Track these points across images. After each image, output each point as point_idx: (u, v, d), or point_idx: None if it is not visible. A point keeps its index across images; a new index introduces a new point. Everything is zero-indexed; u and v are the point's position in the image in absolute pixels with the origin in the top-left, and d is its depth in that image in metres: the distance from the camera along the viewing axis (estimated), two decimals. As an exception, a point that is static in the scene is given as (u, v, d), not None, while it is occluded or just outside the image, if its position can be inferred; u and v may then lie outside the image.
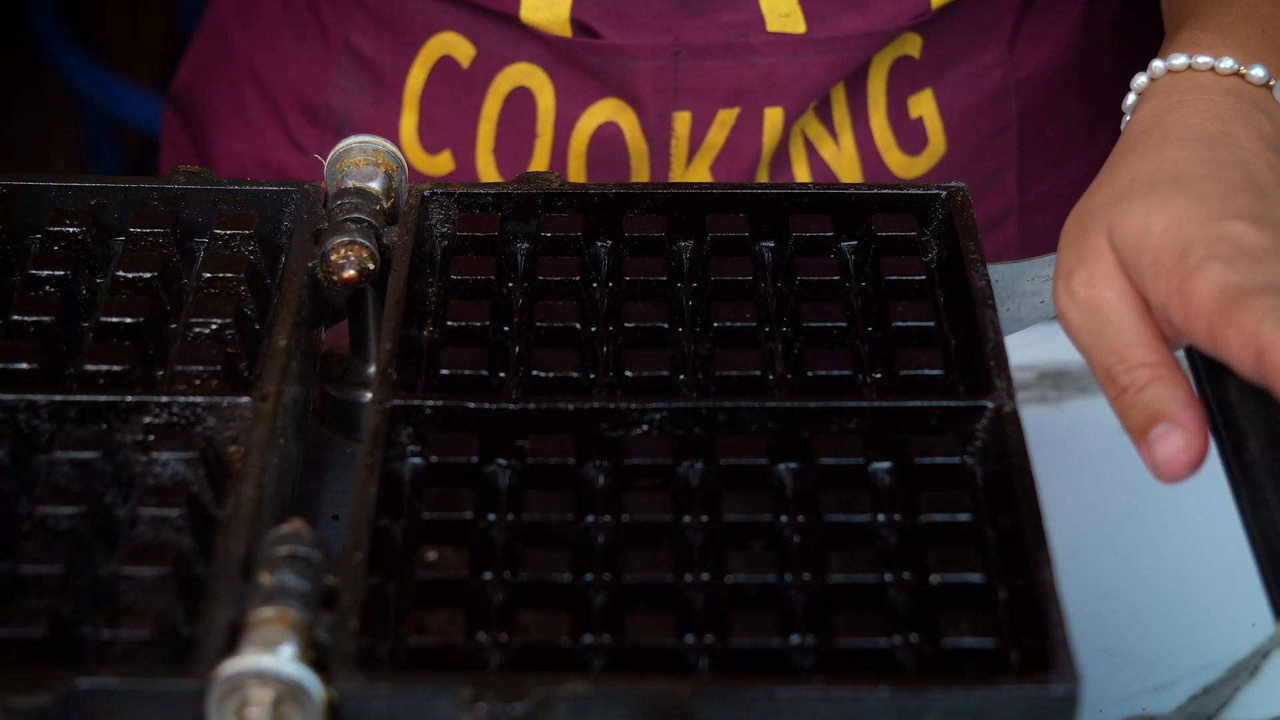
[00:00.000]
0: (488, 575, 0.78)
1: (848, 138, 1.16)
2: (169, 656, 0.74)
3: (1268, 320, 0.73)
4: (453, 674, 0.72)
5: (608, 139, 1.13)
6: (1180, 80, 0.86)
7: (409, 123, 1.16)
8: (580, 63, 1.11)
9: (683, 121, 1.12)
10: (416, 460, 0.82)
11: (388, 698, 0.71)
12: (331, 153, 0.92)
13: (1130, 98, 0.88)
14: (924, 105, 1.16)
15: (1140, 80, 0.87)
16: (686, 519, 0.80)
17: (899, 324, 0.86)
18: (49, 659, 0.73)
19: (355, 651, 0.72)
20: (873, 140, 1.16)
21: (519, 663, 0.74)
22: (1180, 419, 0.76)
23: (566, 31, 1.10)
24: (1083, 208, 0.83)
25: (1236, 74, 0.85)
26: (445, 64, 1.14)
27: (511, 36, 1.12)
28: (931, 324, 0.86)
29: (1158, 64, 0.87)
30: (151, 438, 0.82)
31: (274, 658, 0.71)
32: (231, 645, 0.72)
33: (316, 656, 0.72)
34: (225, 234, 0.91)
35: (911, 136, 1.17)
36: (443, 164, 1.16)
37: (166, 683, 0.71)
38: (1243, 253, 0.76)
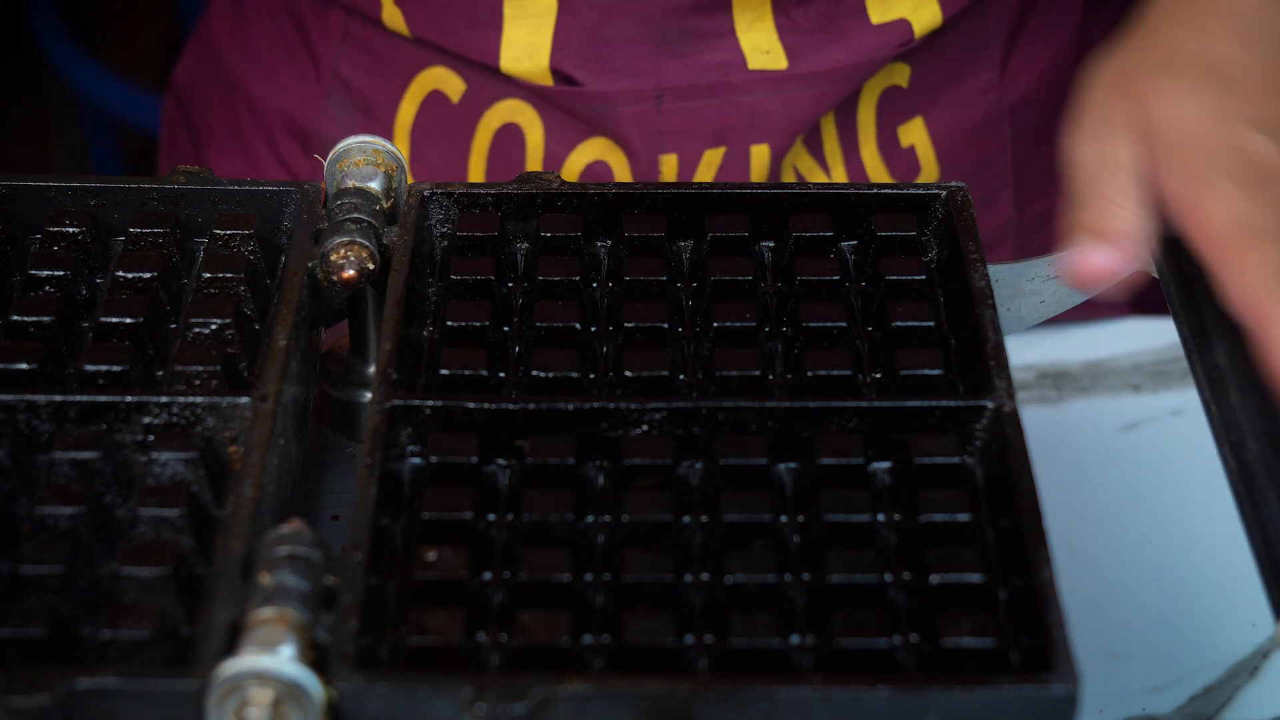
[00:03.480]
0: (488, 575, 0.78)
1: (839, 170, 1.15)
2: (169, 656, 0.74)
3: (1273, 282, 0.77)
4: (453, 674, 0.72)
5: (597, 176, 1.13)
6: None
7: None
8: (566, 107, 1.11)
9: (669, 165, 1.12)
10: (416, 460, 0.82)
11: (388, 698, 0.71)
12: (331, 153, 0.92)
13: None
14: (915, 133, 1.16)
15: None
16: (686, 519, 0.80)
17: (899, 324, 0.86)
18: (49, 659, 0.73)
19: (355, 651, 0.72)
20: (864, 170, 1.16)
21: (519, 663, 0.74)
22: (1115, 241, 0.82)
23: (548, 81, 1.10)
24: (1120, 65, 0.87)
25: None
26: (435, 99, 1.14)
27: (499, 76, 1.12)
28: (931, 324, 0.86)
29: None
30: (151, 438, 0.82)
31: (274, 658, 0.71)
32: (231, 645, 0.72)
33: (316, 656, 0.72)
34: (225, 234, 0.91)
35: (903, 165, 1.17)
36: None
37: (166, 683, 0.72)
38: (1258, 174, 0.81)
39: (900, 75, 1.15)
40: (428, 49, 1.13)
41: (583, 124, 1.12)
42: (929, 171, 1.17)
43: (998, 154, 1.19)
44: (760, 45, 1.10)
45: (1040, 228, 1.23)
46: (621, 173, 1.12)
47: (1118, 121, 0.85)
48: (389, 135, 1.16)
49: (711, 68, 1.10)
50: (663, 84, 1.10)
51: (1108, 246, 0.82)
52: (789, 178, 1.14)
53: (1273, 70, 0.85)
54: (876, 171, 1.16)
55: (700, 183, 0.93)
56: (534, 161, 1.14)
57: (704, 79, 1.10)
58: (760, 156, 1.12)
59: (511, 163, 1.14)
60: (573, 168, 1.13)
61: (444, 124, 1.15)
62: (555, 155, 1.13)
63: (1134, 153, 0.84)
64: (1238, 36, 0.86)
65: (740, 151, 1.12)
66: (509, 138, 1.14)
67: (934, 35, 1.13)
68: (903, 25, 1.11)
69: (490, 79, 1.12)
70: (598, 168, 1.13)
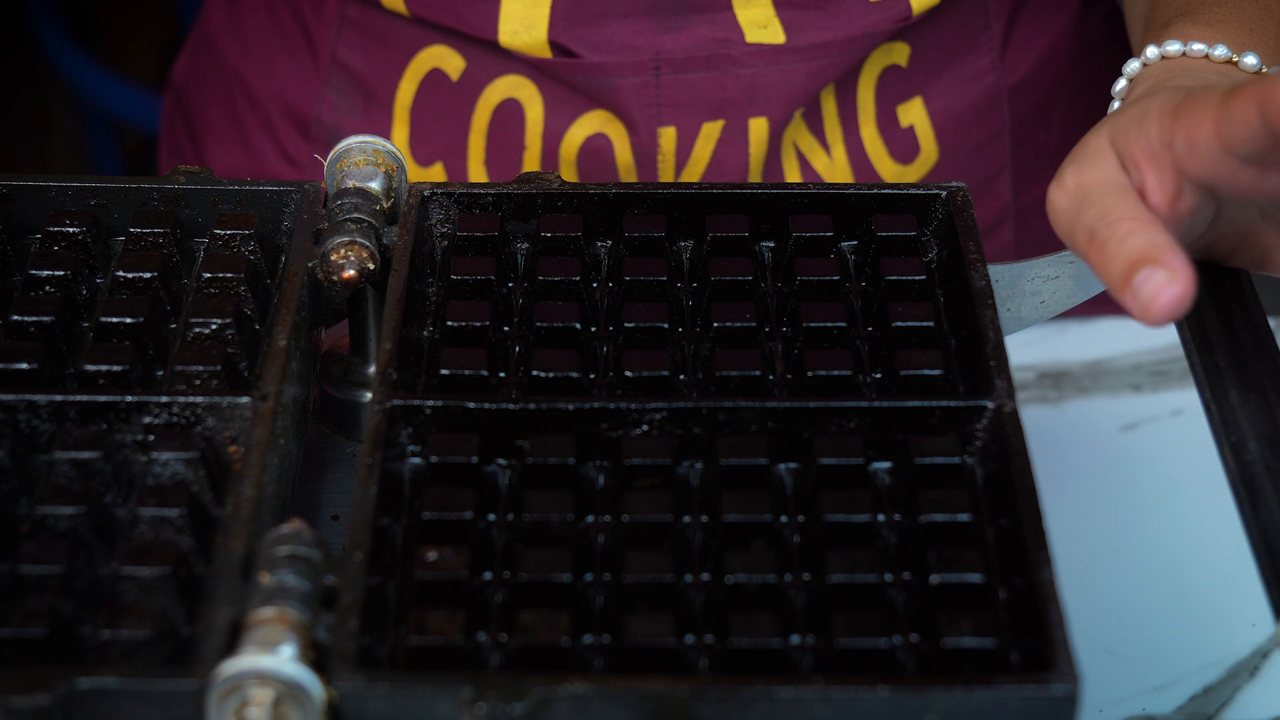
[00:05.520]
0: (488, 575, 0.78)
1: (839, 148, 1.15)
2: (169, 656, 0.74)
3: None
4: (453, 674, 0.72)
5: (597, 150, 1.13)
6: (1173, 65, 0.87)
7: (400, 135, 1.16)
8: (565, 80, 1.12)
9: (668, 137, 1.12)
10: (416, 460, 0.82)
11: (388, 698, 0.71)
12: (331, 153, 0.92)
13: (1121, 83, 0.89)
14: (914, 113, 1.16)
15: (1133, 66, 0.88)
16: (686, 519, 0.80)
17: (899, 324, 0.86)
18: (49, 659, 0.73)
19: (355, 651, 0.72)
20: (864, 150, 1.16)
21: (519, 663, 0.74)
22: (1164, 259, 0.75)
23: (546, 53, 1.10)
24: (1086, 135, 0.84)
25: (1229, 61, 0.86)
26: (434, 77, 1.15)
27: (498, 51, 1.12)
28: (931, 324, 0.86)
29: (1151, 50, 0.88)
30: (151, 438, 0.82)
31: (274, 658, 0.71)
32: (231, 645, 0.72)
33: (316, 656, 0.72)
34: (225, 234, 0.91)
35: (903, 145, 1.17)
36: (434, 176, 1.17)
37: (166, 683, 0.72)
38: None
39: (900, 55, 1.15)
40: (426, 27, 1.13)
41: (582, 97, 1.12)
42: (928, 152, 1.17)
43: (997, 136, 1.20)
44: (757, 20, 1.10)
45: (1039, 212, 1.23)
46: (621, 146, 1.13)
47: (1085, 156, 0.80)
48: (389, 115, 1.16)
49: (709, 41, 1.11)
50: (660, 56, 1.10)
51: (1164, 268, 0.74)
52: (789, 154, 1.15)
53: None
54: (876, 151, 1.16)
55: (700, 183, 0.93)
56: (534, 137, 1.14)
57: (701, 51, 1.11)
58: (759, 130, 1.12)
59: (512, 139, 1.14)
60: (572, 141, 1.13)
61: (444, 102, 1.15)
62: (555, 130, 1.13)
63: (1111, 169, 0.79)
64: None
65: (739, 125, 1.12)
66: (509, 114, 1.14)
67: (934, 14, 1.13)
68: (901, 1, 1.11)
69: (489, 55, 1.13)
70: (598, 141, 1.13)
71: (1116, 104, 0.89)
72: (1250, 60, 0.86)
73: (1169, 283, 0.74)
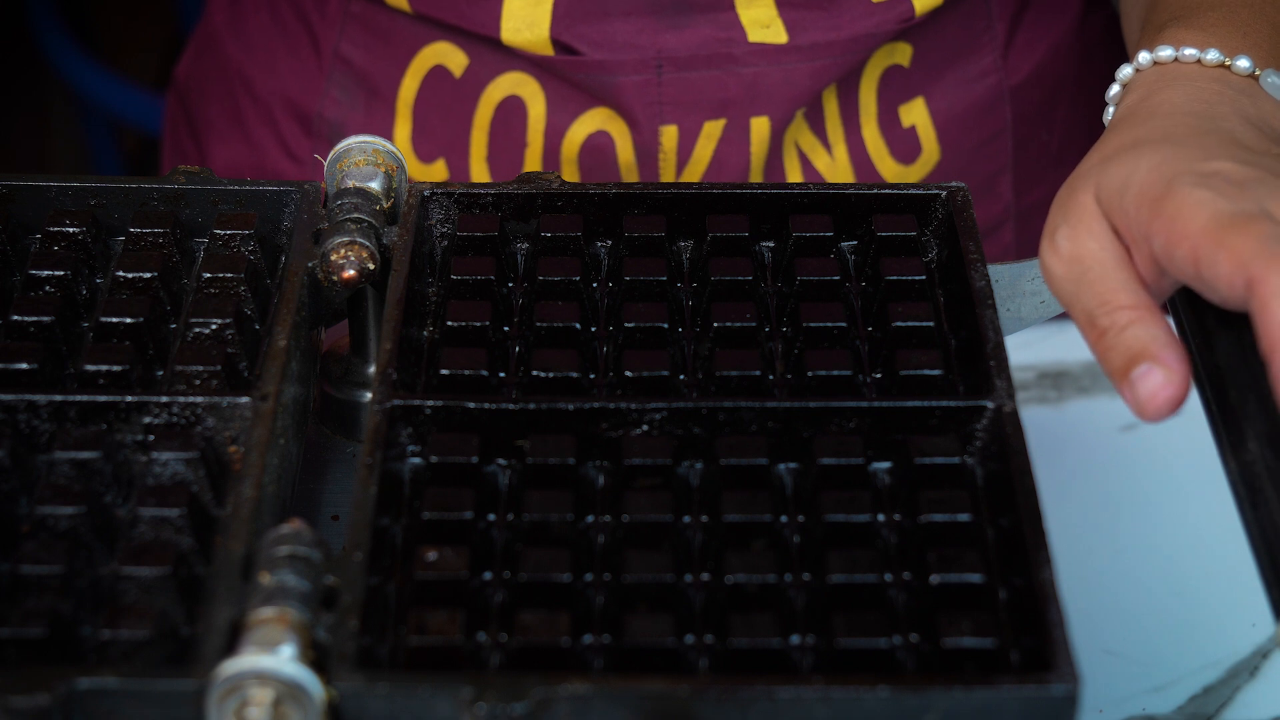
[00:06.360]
0: (488, 575, 0.78)
1: (841, 148, 1.16)
2: (169, 656, 0.74)
3: (1263, 248, 0.73)
4: (453, 674, 0.72)
5: (598, 148, 1.13)
6: (1166, 70, 0.87)
7: (402, 132, 1.17)
8: (567, 77, 1.12)
9: (670, 136, 1.12)
10: (416, 460, 0.82)
11: (388, 698, 0.71)
12: (331, 153, 0.92)
13: (1115, 88, 0.89)
14: (916, 114, 1.17)
15: (1126, 71, 0.89)
16: (686, 519, 0.80)
17: (899, 324, 0.86)
18: (49, 659, 0.73)
19: (355, 651, 0.72)
20: (865, 150, 1.16)
21: (519, 663, 0.74)
22: (1161, 357, 0.76)
23: (549, 50, 1.11)
24: (1071, 176, 0.84)
25: (1222, 65, 0.86)
26: (437, 73, 1.15)
27: (500, 49, 1.13)
28: (931, 324, 0.86)
29: (1144, 55, 0.88)
30: (151, 438, 0.82)
31: (274, 658, 0.71)
32: (231, 645, 0.72)
33: (316, 656, 0.72)
34: (225, 234, 0.91)
35: (904, 145, 1.17)
36: (437, 172, 1.17)
37: (166, 683, 0.72)
38: (1230, 183, 0.77)
39: (902, 55, 1.15)
40: (429, 24, 1.14)
41: (584, 94, 1.13)
42: (930, 152, 1.17)
43: (998, 136, 1.20)
44: (760, 19, 1.11)
45: (1040, 213, 1.23)
46: (623, 144, 1.13)
47: (1076, 217, 0.81)
48: (391, 112, 1.17)
49: (711, 40, 1.11)
50: (662, 54, 1.11)
51: (1161, 366, 0.76)
52: (790, 154, 1.15)
53: (1230, 142, 0.81)
54: (877, 151, 1.16)
55: (700, 183, 0.93)
56: (536, 134, 1.14)
57: (703, 50, 1.11)
58: (760, 129, 1.12)
59: (514, 136, 1.15)
60: (574, 139, 1.13)
61: (446, 99, 1.15)
62: (557, 127, 1.14)
63: (1104, 238, 0.80)
64: (1191, 128, 0.82)
65: (740, 124, 1.12)
66: (511, 111, 1.14)
67: (936, 15, 1.14)
68: (904, 2, 1.11)
69: (492, 52, 1.13)
70: (599, 139, 1.13)
71: (1111, 109, 0.89)
72: (1243, 63, 0.86)
73: (1166, 384, 0.76)
